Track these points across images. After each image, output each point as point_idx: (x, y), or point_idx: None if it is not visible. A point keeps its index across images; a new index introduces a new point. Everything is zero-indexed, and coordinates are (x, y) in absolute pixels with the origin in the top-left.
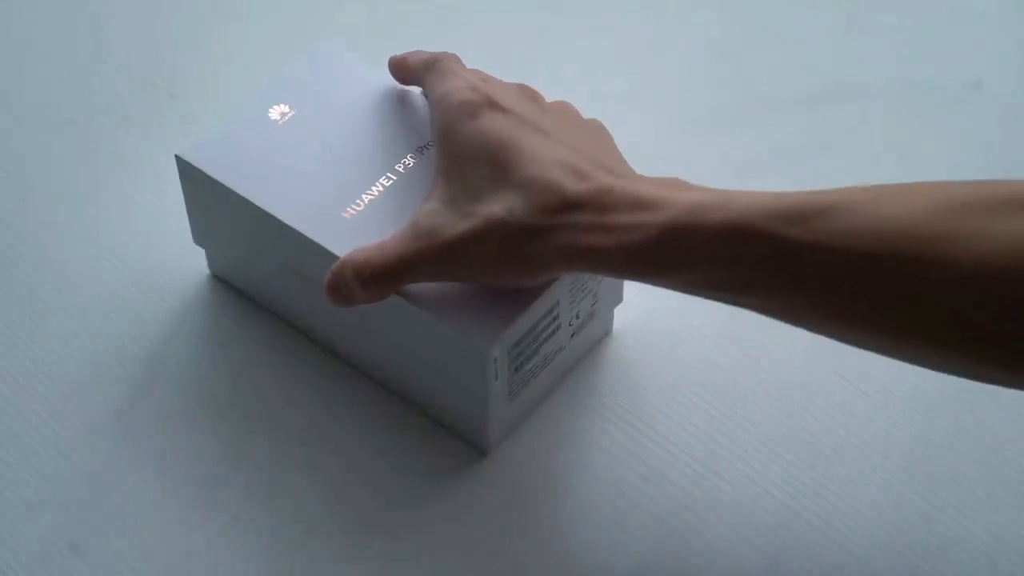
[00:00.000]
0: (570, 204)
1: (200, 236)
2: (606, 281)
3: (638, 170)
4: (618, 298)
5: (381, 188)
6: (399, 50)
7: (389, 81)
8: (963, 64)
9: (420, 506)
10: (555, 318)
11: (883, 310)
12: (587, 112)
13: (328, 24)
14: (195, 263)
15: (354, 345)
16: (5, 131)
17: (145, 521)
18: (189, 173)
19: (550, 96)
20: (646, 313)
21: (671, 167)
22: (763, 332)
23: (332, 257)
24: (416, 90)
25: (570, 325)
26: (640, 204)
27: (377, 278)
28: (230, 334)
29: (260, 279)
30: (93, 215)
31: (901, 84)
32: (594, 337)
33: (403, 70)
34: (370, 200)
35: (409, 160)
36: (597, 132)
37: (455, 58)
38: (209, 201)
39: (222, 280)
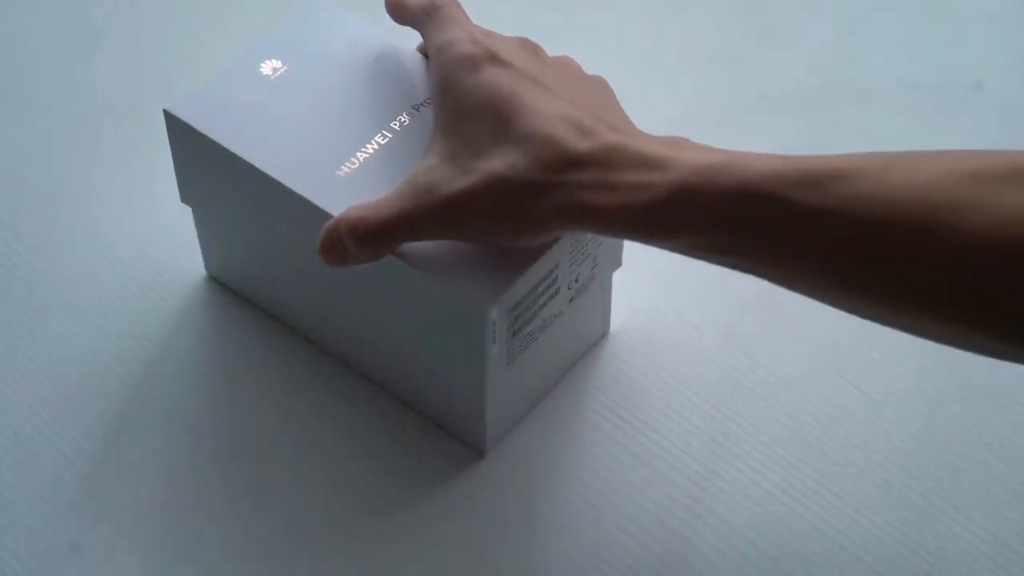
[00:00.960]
0: (573, 161)
1: (188, 195)
2: (605, 244)
3: None
4: (617, 262)
5: (376, 146)
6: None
7: (385, 38)
8: (963, 64)
9: (418, 506)
10: (554, 281)
11: (888, 278)
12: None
13: None
14: (194, 264)
15: (350, 342)
16: (5, 131)
17: (145, 521)
18: (177, 128)
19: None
20: (644, 314)
21: None
22: (763, 332)
23: (326, 216)
24: (411, 47)
25: (569, 289)
26: (646, 163)
27: (373, 236)
28: (228, 335)
29: (256, 279)
30: (93, 215)
31: (901, 84)
32: (591, 336)
33: (402, 10)
34: (365, 158)
35: (405, 118)
36: (600, 88)
37: (456, 5)
38: (198, 157)
39: (218, 282)
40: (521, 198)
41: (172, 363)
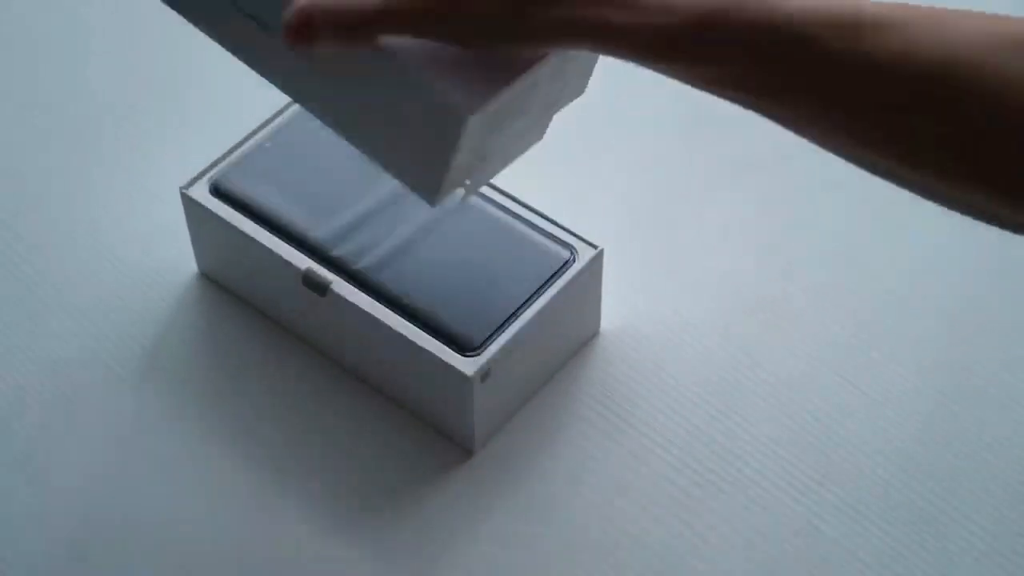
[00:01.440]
0: None
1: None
2: (578, 69)
3: (634, 170)
4: (581, 90)
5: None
6: None
7: None
8: None
9: (407, 505)
10: (528, 99)
11: (920, 140)
12: (582, 122)
13: None
14: (190, 262)
15: (341, 341)
16: (5, 131)
17: (145, 521)
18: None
19: None
20: (635, 313)
21: (670, 165)
22: (763, 332)
23: None
24: None
25: (539, 110)
26: None
27: (351, 20)
28: (224, 333)
29: (245, 275)
30: (93, 215)
31: None
32: (581, 335)
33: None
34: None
35: None
36: None
37: None
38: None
39: (209, 278)
40: (526, 4)
41: (171, 363)
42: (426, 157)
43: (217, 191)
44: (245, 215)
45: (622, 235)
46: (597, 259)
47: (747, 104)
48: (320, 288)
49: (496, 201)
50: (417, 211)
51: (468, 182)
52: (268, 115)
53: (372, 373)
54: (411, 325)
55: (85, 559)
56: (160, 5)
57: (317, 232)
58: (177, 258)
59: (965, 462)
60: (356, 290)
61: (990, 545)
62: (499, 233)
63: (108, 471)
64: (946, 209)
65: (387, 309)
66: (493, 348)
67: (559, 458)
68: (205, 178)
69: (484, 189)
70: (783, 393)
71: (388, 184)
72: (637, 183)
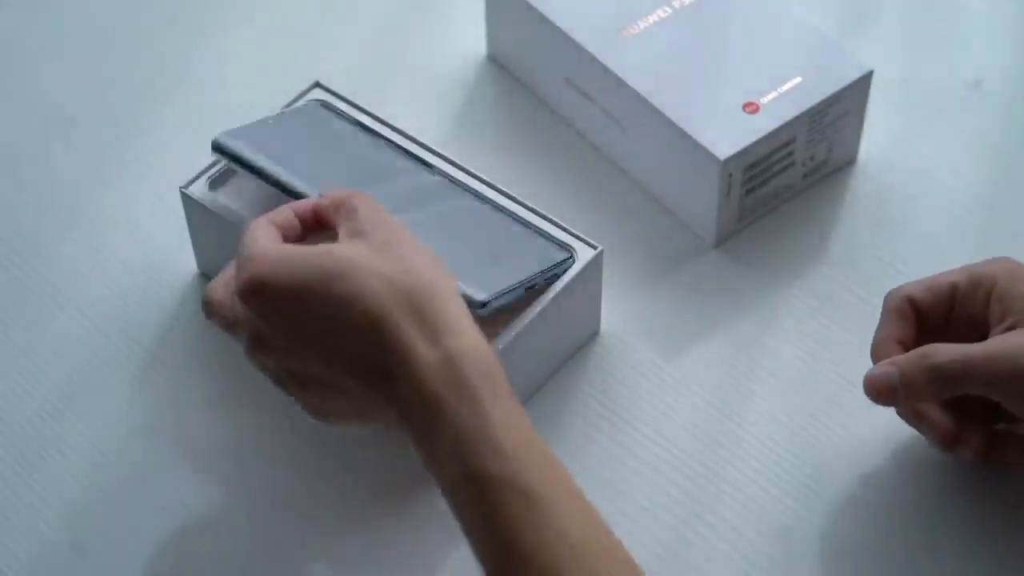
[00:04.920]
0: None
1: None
2: (841, 130)
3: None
4: (854, 153)
5: None
6: None
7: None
8: (963, 64)
9: (407, 505)
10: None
11: None
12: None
13: None
14: (190, 261)
15: None
16: (5, 131)
17: (145, 521)
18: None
19: None
20: (635, 313)
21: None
22: (763, 332)
23: None
24: None
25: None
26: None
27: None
28: (224, 333)
29: None
30: (93, 215)
31: (901, 84)
32: (581, 336)
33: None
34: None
35: None
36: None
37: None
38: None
39: (208, 278)
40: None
41: (171, 363)
42: None
43: (219, 148)
44: (242, 168)
45: (622, 234)
46: (597, 259)
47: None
48: None
49: (495, 201)
50: (417, 207)
51: None
52: (268, 115)
53: None
54: None
55: (85, 558)
56: (160, 5)
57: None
58: (177, 258)
59: (965, 462)
60: None
61: (990, 544)
62: (499, 231)
63: (108, 470)
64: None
65: None
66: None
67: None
68: (205, 177)
69: (484, 188)
70: (783, 393)
71: (394, 179)
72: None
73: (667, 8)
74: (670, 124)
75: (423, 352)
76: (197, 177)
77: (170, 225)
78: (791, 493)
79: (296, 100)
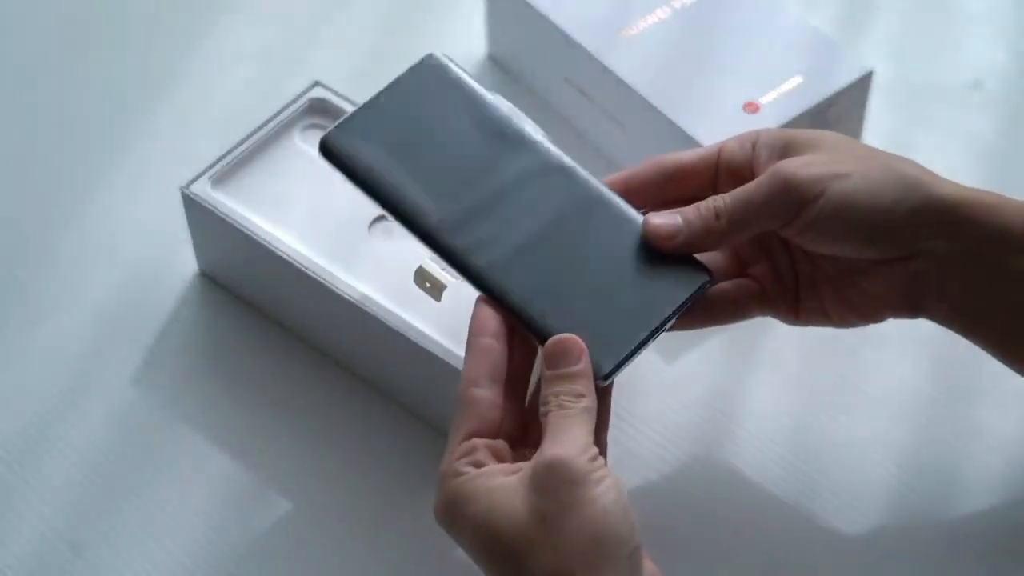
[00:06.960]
0: None
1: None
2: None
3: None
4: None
5: None
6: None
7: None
8: (963, 64)
9: (408, 505)
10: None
11: None
12: None
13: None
14: (190, 261)
15: (338, 343)
16: (5, 131)
17: (145, 521)
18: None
19: None
20: None
21: None
22: (764, 332)
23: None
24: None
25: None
26: None
27: None
28: (224, 333)
29: (246, 275)
30: (93, 215)
31: (901, 84)
32: None
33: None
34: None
35: None
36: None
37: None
38: None
39: (209, 277)
40: None
41: (171, 362)
42: None
43: (327, 152)
44: (348, 177)
45: None
46: None
47: None
48: (437, 290)
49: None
50: (550, 211)
51: None
52: (268, 115)
53: (377, 377)
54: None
55: (85, 558)
56: (160, 4)
57: (433, 213)
58: (177, 258)
59: (965, 462)
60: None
61: (990, 544)
62: (626, 244)
63: (108, 470)
64: None
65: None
66: None
67: None
68: (205, 177)
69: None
70: (784, 393)
71: (508, 166)
72: None
73: (667, 8)
74: (670, 124)
75: None
76: (198, 177)
77: (170, 225)
78: (791, 493)
79: (296, 100)
